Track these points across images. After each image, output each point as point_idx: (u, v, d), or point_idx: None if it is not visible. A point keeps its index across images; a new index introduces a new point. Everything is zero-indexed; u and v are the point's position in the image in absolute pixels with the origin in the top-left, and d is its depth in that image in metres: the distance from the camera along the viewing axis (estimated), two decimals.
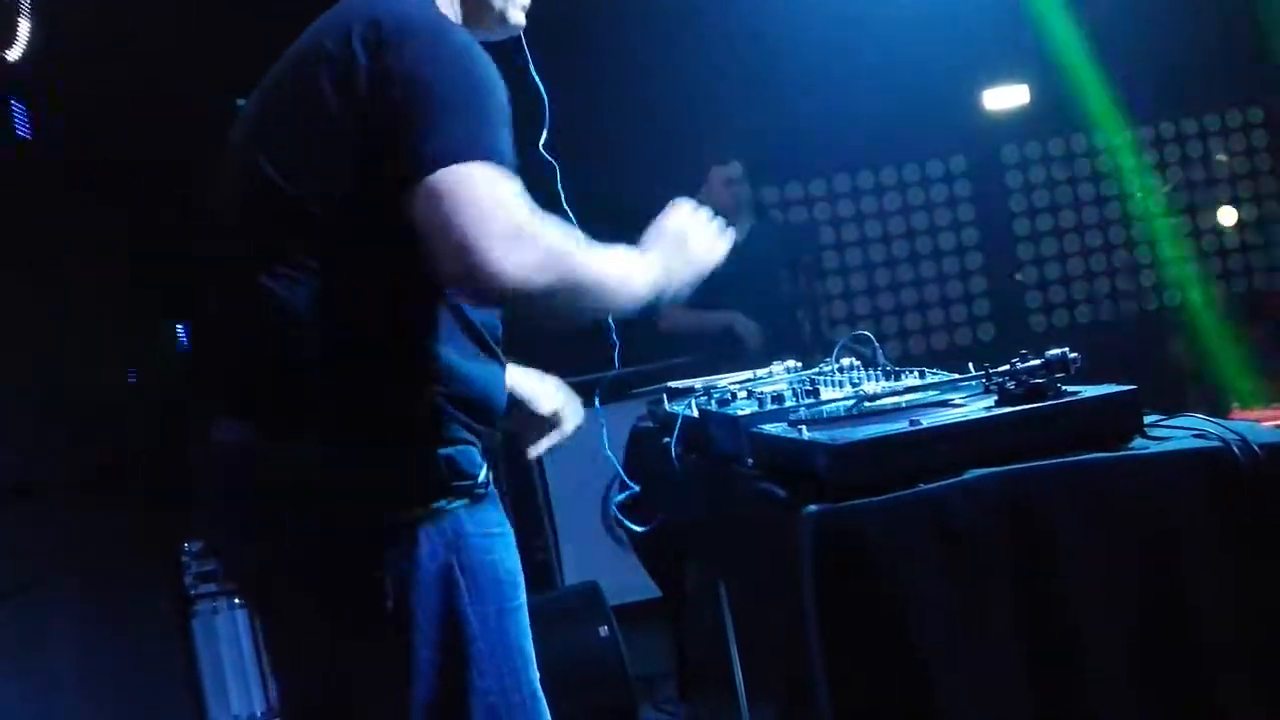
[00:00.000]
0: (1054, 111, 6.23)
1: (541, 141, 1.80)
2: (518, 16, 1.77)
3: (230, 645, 3.63)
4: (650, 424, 2.53)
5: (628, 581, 3.68)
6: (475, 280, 1.44)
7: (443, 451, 1.57)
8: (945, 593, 1.37)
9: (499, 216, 1.45)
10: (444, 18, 1.65)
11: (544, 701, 1.64)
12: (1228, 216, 6.50)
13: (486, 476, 1.62)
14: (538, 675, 1.64)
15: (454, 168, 1.45)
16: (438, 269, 1.47)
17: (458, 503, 1.57)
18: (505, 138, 1.53)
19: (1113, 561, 1.39)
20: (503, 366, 1.70)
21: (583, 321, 1.63)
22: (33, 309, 3.19)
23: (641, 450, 2.52)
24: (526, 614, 1.64)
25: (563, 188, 1.85)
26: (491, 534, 1.61)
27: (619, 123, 5.15)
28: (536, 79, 1.80)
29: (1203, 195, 6.51)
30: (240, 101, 3.87)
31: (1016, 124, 6.31)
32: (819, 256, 5.16)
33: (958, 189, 6.46)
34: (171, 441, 3.83)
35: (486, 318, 1.66)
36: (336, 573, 1.57)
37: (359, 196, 1.53)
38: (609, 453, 1.86)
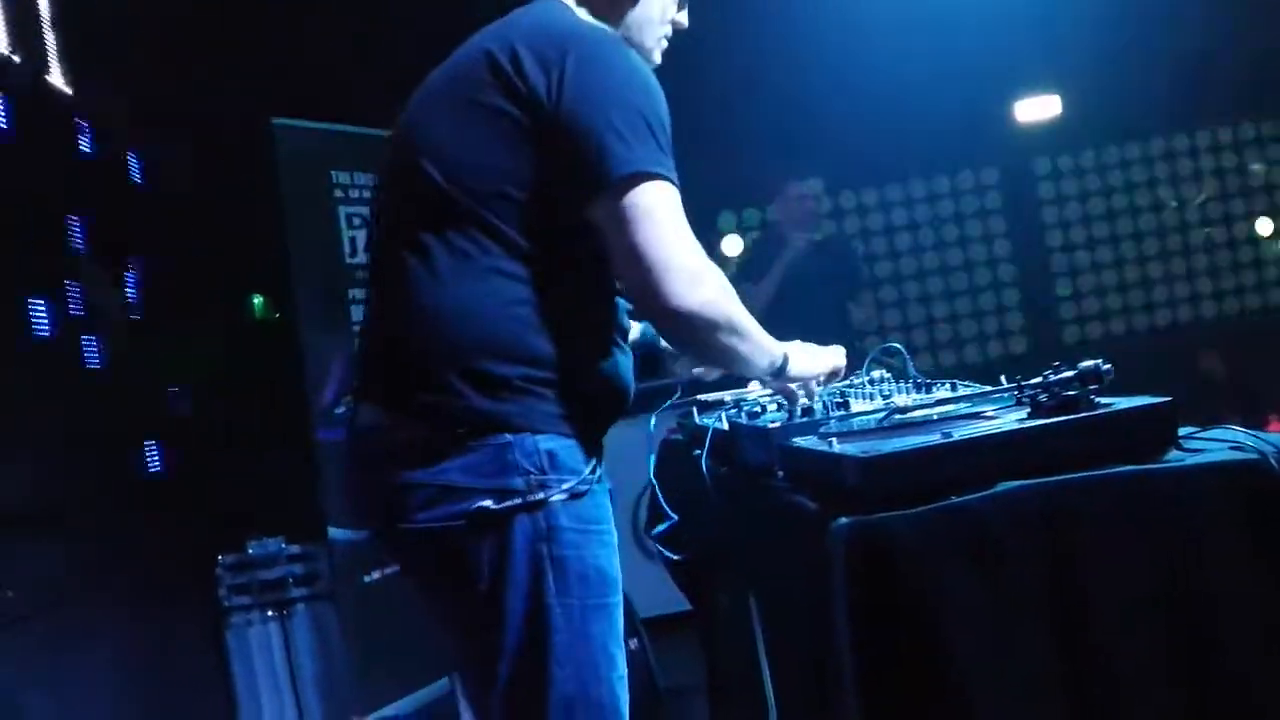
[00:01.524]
0: (1086, 122, 6.20)
1: None
2: (658, 57, 1.91)
3: (263, 657, 3.66)
4: (680, 436, 2.53)
5: (658, 594, 3.67)
6: (660, 305, 1.59)
7: (545, 446, 1.63)
8: (978, 605, 1.36)
9: (684, 247, 1.60)
10: (613, 33, 1.76)
11: (624, 700, 1.70)
12: (1265, 228, 6.43)
13: (592, 473, 1.68)
14: (623, 674, 1.70)
15: (641, 186, 1.58)
16: (626, 288, 1.66)
17: (556, 496, 1.63)
18: (670, 156, 1.65)
19: (1146, 573, 1.38)
20: (629, 358, 1.78)
21: (719, 362, 1.76)
22: (59, 327, 3.23)
23: (671, 462, 2.52)
24: (619, 613, 1.70)
25: None
26: (588, 530, 1.67)
27: None
28: None
29: (1237, 206, 6.46)
30: (275, 120, 3.89)
31: (1048, 135, 6.28)
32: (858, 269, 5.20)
33: (989, 201, 6.43)
34: (207, 452, 3.87)
35: (617, 313, 1.75)
36: (441, 554, 1.66)
37: (522, 200, 1.63)
38: (653, 479, 1.96)
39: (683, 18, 1.93)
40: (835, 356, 2.00)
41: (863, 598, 1.36)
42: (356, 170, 4.13)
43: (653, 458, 2.03)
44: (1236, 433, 1.50)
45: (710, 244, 6.11)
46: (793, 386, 1.94)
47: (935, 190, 6.41)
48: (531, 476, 1.62)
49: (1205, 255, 6.47)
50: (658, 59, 1.90)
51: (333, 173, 4.08)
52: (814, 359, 1.95)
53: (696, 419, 2.29)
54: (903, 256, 6.42)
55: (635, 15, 1.83)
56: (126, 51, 3.74)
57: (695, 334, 1.65)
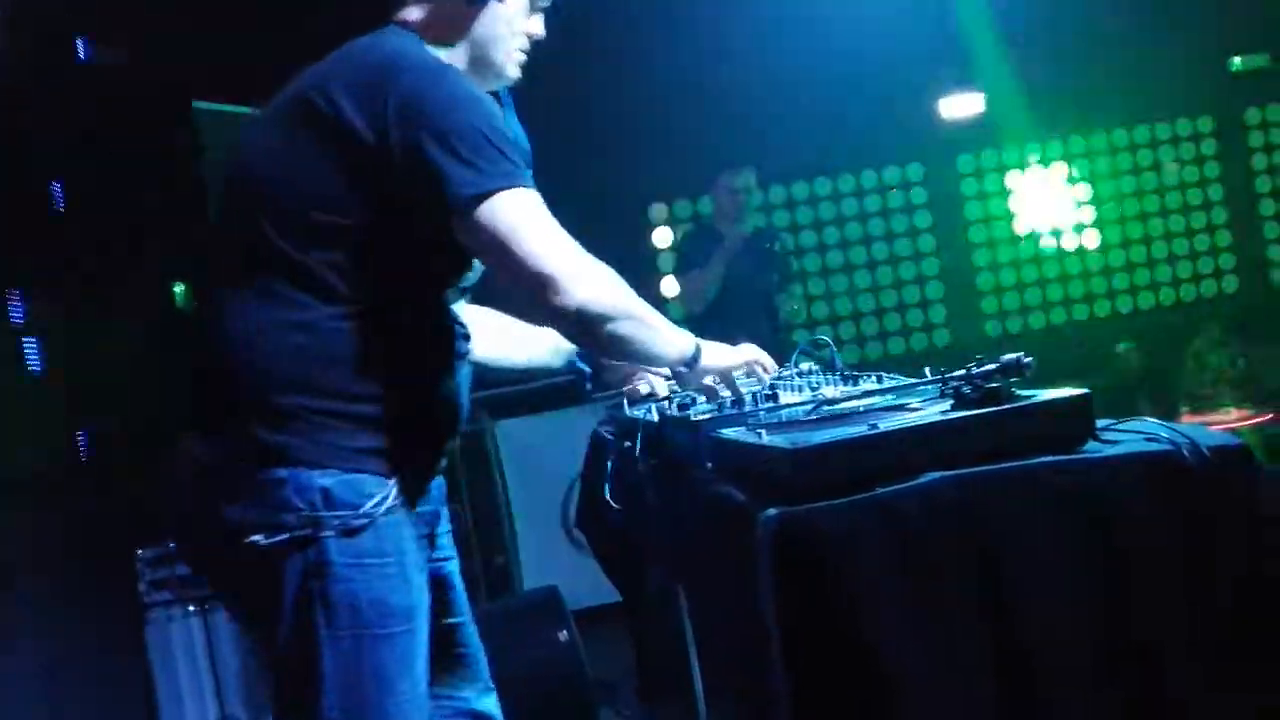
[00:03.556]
0: (1009, 120, 6.31)
1: None
2: (515, 71, 1.88)
3: (185, 654, 3.59)
4: (610, 429, 2.53)
5: (587, 586, 3.68)
6: (549, 310, 1.63)
7: (321, 482, 1.62)
8: (903, 595, 1.38)
9: (557, 250, 1.63)
10: (437, 58, 1.75)
11: None
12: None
13: (374, 507, 1.65)
14: (408, 700, 1.68)
15: (496, 203, 1.60)
16: (521, 296, 1.66)
17: (326, 533, 1.62)
18: (518, 161, 1.66)
19: (1066, 561, 1.41)
20: (454, 381, 1.78)
21: (628, 353, 1.79)
22: None
23: (601, 455, 2.52)
24: (408, 640, 1.69)
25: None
26: (364, 564, 1.65)
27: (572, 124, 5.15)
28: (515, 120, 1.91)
29: (1152, 203, 6.62)
30: (195, 104, 3.81)
31: (972, 132, 6.38)
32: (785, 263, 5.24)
33: (914, 196, 6.51)
34: (125, 444, 3.79)
35: (436, 338, 1.75)
36: (226, 584, 1.78)
37: (329, 235, 1.64)
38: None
39: (536, 26, 1.89)
40: (748, 353, 2.01)
41: (790, 588, 1.37)
42: None
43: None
44: (1151, 424, 1.55)
45: (642, 236, 6.11)
46: (709, 381, 1.95)
47: (862, 185, 6.49)
48: (302, 513, 1.62)
49: (1121, 252, 6.63)
50: (513, 73, 1.87)
51: None
52: (727, 352, 1.97)
53: (626, 411, 2.29)
54: (829, 250, 6.48)
55: (479, 33, 1.81)
56: (43, 32, 3.63)
57: (590, 328, 1.68)
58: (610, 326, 1.70)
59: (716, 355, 1.93)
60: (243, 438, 1.64)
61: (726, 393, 1.92)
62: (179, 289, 4.35)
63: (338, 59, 1.74)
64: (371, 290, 1.67)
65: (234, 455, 1.65)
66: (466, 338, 1.83)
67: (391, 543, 1.68)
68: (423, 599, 1.72)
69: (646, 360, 1.85)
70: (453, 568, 1.94)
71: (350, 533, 1.63)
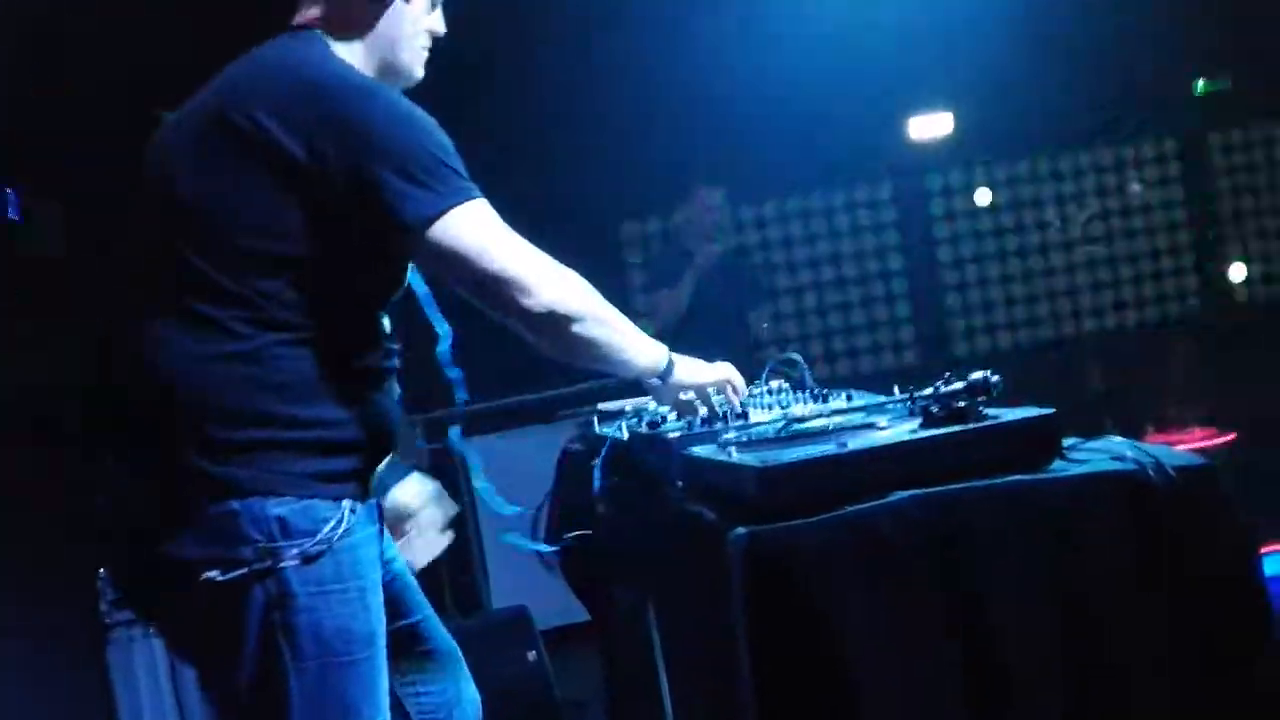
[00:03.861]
0: (977, 140, 6.38)
1: None
2: (420, 71, 1.84)
3: (147, 674, 3.53)
4: (580, 446, 2.52)
5: (556, 605, 3.65)
6: (517, 314, 1.64)
7: (275, 511, 1.58)
8: (873, 613, 1.38)
9: (517, 257, 1.64)
10: (356, 70, 1.71)
11: None
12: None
13: (331, 532, 1.62)
14: None
15: (452, 220, 1.60)
16: (493, 310, 1.66)
17: (286, 563, 1.58)
18: (464, 173, 1.65)
19: (1033, 579, 1.42)
20: (388, 397, 1.75)
21: (599, 359, 1.76)
22: None
23: (571, 473, 2.51)
24: (372, 666, 1.66)
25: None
26: (326, 591, 1.62)
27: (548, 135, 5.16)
28: None
29: (1118, 224, 6.70)
30: (167, 116, 3.77)
31: (941, 152, 6.43)
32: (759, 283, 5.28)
33: (883, 215, 6.56)
34: (85, 459, 3.73)
35: (369, 358, 1.71)
36: (177, 626, 1.72)
37: (262, 262, 1.60)
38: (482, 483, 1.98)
39: (436, 23, 1.83)
40: (723, 370, 1.99)
41: (761, 607, 1.37)
42: None
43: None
44: (1118, 444, 1.56)
45: (613, 253, 6.11)
46: (686, 398, 1.93)
47: (832, 204, 6.52)
48: (259, 545, 1.57)
49: (1088, 272, 6.70)
50: (419, 73, 1.83)
51: None
52: (701, 368, 1.95)
53: (596, 429, 2.29)
54: (799, 268, 6.51)
55: (383, 34, 1.76)
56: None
57: (558, 329, 1.68)
58: (578, 328, 1.69)
59: (691, 370, 1.92)
60: (187, 472, 1.58)
61: (702, 409, 1.90)
62: None
63: (250, 72, 1.70)
64: (310, 314, 1.63)
65: (179, 490, 1.59)
66: (395, 352, 1.80)
67: (349, 567, 1.64)
68: (381, 624, 1.69)
69: (615, 366, 1.80)
70: (400, 567, 1.92)
71: (309, 560, 1.59)
